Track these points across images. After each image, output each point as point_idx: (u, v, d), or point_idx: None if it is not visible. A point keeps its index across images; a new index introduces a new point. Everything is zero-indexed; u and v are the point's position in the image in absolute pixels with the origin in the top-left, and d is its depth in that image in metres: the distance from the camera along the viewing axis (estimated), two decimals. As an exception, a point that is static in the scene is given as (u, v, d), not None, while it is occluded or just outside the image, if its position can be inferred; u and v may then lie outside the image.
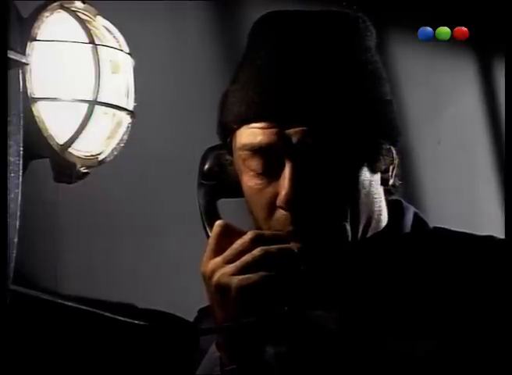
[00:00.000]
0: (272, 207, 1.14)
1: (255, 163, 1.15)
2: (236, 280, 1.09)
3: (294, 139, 1.12)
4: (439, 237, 1.21)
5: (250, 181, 1.16)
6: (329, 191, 1.13)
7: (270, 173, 1.14)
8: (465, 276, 1.14)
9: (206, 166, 1.24)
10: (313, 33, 1.16)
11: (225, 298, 1.11)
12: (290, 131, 1.12)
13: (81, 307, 1.44)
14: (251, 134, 1.14)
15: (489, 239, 1.19)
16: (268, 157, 1.14)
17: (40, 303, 1.40)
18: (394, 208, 1.22)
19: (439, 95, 2.59)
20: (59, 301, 1.42)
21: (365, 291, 1.15)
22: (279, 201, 1.13)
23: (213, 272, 1.12)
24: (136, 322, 1.50)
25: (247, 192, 1.17)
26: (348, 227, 1.14)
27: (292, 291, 1.11)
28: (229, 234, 1.14)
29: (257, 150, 1.14)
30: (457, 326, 1.11)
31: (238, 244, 1.12)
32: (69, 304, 1.43)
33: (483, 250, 1.17)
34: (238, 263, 1.10)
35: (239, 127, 1.16)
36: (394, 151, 1.20)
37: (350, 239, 1.15)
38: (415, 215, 1.23)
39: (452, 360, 1.10)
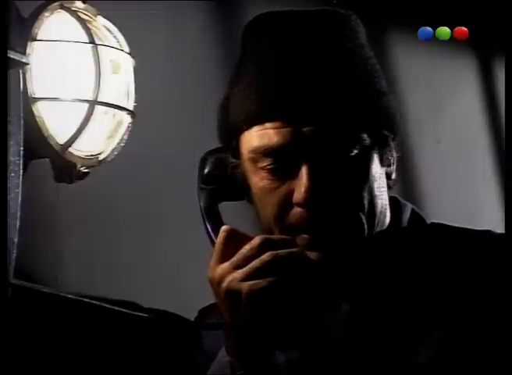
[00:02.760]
0: (286, 205, 1.14)
1: (269, 163, 1.15)
2: (246, 285, 1.09)
3: (309, 137, 1.12)
4: (436, 232, 1.21)
5: (261, 181, 1.16)
6: (346, 187, 1.14)
7: (284, 172, 1.15)
8: (464, 270, 1.14)
9: (205, 171, 1.24)
10: (311, 33, 1.17)
11: (235, 304, 1.10)
12: (304, 130, 1.12)
13: (82, 299, 1.43)
14: (264, 136, 1.14)
15: (487, 233, 1.20)
16: (283, 157, 1.14)
17: (41, 296, 1.39)
18: (392, 205, 1.22)
19: (439, 95, 2.59)
20: (61, 294, 1.41)
21: (373, 290, 1.15)
22: (298, 198, 1.13)
23: (222, 278, 1.11)
24: (138, 314, 1.50)
25: (258, 193, 1.17)
26: (365, 224, 1.15)
27: (302, 296, 1.11)
28: (235, 239, 1.13)
29: (272, 152, 1.14)
30: (456, 321, 1.11)
31: (246, 249, 1.11)
32: (71, 296, 1.42)
33: (481, 244, 1.17)
34: (247, 269, 1.10)
35: (248, 128, 1.16)
36: (393, 145, 1.21)
37: (366, 235, 1.15)
38: (413, 211, 1.24)
39: (451, 355, 1.10)
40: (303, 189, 1.12)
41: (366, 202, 1.15)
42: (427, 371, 1.10)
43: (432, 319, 1.12)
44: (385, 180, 1.19)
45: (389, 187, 1.22)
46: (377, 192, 1.16)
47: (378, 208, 1.17)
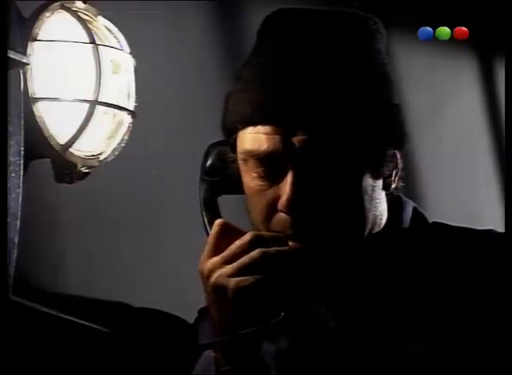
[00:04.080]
0: (271, 209, 1.14)
1: (258, 166, 1.14)
2: (233, 281, 1.09)
3: (298, 145, 1.11)
4: (438, 232, 1.21)
5: (251, 182, 1.15)
6: (331, 196, 1.12)
7: (272, 177, 1.13)
8: (465, 269, 1.14)
9: (208, 162, 1.24)
10: (322, 34, 1.14)
11: (221, 299, 1.11)
12: (296, 138, 1.10)
13: (77, 320, 1.43)
14: (256, 140, 1.13)
15: (488, 233, 1.19)
16: (272, 162, 1.13)
17: (38, 314, 1.39)
18: (393, 203, 1.21)
19: (439, 95, 2.59)
20: (56, 313, 1.41)
21: (365, 290, 1.15)
22: (281, 204, 1.12)
23: (211, 272, 1.12)
24: (133, 335, 1.51)
25: (248, 193, 1.17)
26: (348, 233, 1.14)
27: (289, 295, 1.11)
28: (228, 234, 1.13)
29: (261, 157, 1.13)
30: (457, 321, 1.11)
31: (237, 244, 1.11)
32: (66, 317, 1.42)
33: (482, 244, 1.17)
34: (236, 264, 1.10)
35: (243, 128, 1.15)
36: (398, 156, 1.19)
37: (349, 244, 1.14)
38: (414, 209, 1.23)
39: (451, 356, 1.10)
40: (285, 196, 1.11)
41: (351, 213, 1.13)
42: (423, 370, 1.10)
43: (433, 320, 1.12)
44: (380, 192, 1.17)
45: (392, 194, 1.21)
46: (367, 205, 1.14)
47: (369, 220, 1.15)
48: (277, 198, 1.13)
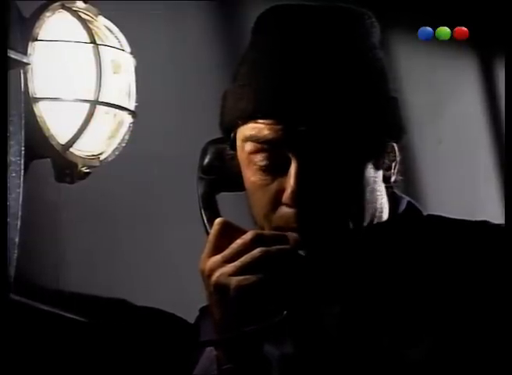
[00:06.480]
0: (275, 203, 1.14)
1: (260, 158, 1.14)
2: (234, 280, 1.09)
3: (301, 137, 1.11)
4: (432, 223, 1.21)
5: (253, 176, 1.16)
6: (335, 189, 1.13)
7: (275, 169, 1.14)
8: (460, 260, 1.14)
9: (206, 161, 1.23)
10: (319, 30, 1.15)
11: (223, 298, 1.11)
12: (297, 129, 1.11)
13: (77, 318, 1.43)
14: (257, 127, 1.13)
15: (484, 224, 1.20)
16: (274, 152, 1.13)
17: (39, 312, 1.39)
18: (388, 197, 1.21)
19: (439, 95, 2.59)
20: (58, 311, 1.41)
21: (365, 287, 1.15)
22: (285, 198, 1.12)
23: (212, 271, 1.12)
24: (133, 331, 1.51)
25: (250, 187, 1.17)
26: (351, 226, 1.14)
27: (291, 294, 1.11)
28: (228, 232, 1.13)
29: (262, 143, 1.13)
30: (453, 314, 1.11)
31: (238, 243, 1.11)
32: (67, 315, 1.42)
33: (478, 235, 1.17)
34: (237, 263, 1.10)
35: (244, 124, 1.15)
36: (396, 148, 1.20)
37: (352, 237, 1.14)
38: (408, 203, 1.23)
39: (448, 350, 1.10)
40: (290, 189, 1.11)
41: (354, 205, 1.14)
42: (423, 367, 1.10)
43: (428, 313, 1.12)
44: (382, 184, 1.18)
45: (391, 188, 1.22)
46: (369, 196, 1.15)
47: (369, 212, 1.15)
48: (280, 192, 1.13)
